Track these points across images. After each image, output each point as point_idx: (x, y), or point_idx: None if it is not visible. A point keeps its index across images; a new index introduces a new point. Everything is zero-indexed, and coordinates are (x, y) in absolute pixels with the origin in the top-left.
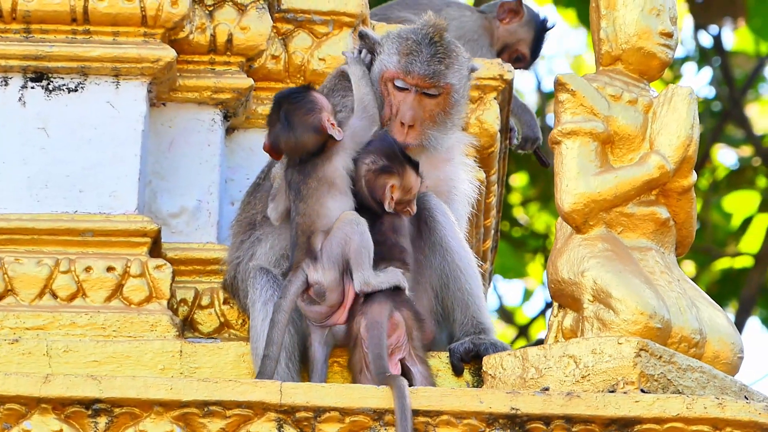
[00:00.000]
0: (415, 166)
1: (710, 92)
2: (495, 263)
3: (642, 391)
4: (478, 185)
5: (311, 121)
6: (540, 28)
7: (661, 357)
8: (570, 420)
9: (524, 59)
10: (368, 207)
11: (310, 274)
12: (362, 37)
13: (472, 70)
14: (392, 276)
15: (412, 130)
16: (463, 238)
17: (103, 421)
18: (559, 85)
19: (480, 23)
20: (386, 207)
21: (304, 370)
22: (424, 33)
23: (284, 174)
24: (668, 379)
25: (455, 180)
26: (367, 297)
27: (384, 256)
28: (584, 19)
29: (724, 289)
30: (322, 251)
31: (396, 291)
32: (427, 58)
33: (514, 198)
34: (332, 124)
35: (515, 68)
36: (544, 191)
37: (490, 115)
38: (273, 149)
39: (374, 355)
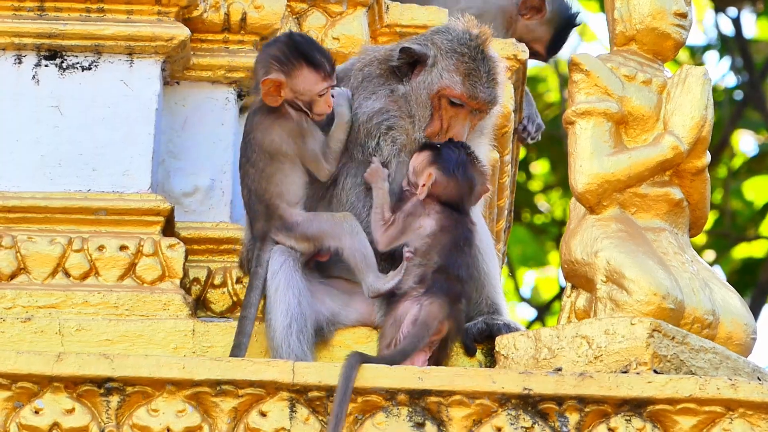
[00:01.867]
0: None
1: (732, 81)
2: (516, 252)
3: (655, 371)
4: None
5: (266, 66)
6: (562, 29)
7: (674, 338)
8: (583, 400)
9: (539, 56)
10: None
11: (283, 241)
12: (410, 53)
13: None
14: (398, 275)
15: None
16: (483, 221)
17: (115, 399)
18: (573, 65)
19: (500, 9)
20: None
21: (317, 345)
22: (476, 49)
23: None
24: (681, 360)
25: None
26: (427, 287)
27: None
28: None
29: (744, 277)
30: (298, 226)
31: (455, 295)
32: (486, 82)
33: (535, 185)
34: (279, 94)
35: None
36: (565, 178)
37: (505, 95)
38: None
39: (402, 350)
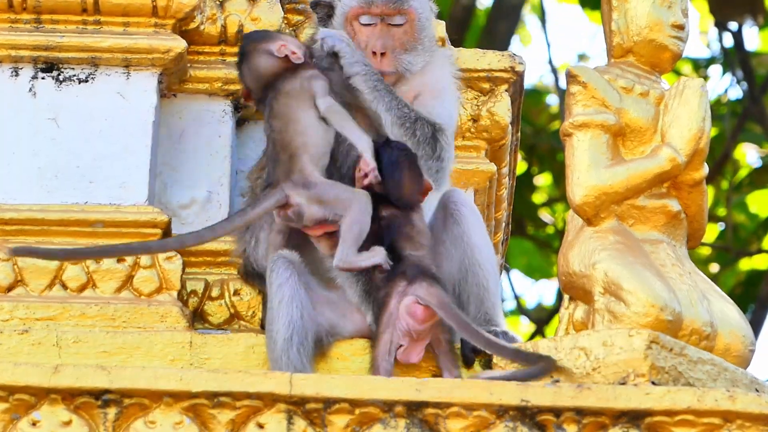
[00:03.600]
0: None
1: (735, 94)
2: (521, 263)
3: (653, 383)
4: (458, 97)
5: (265, 47)
6: None
7: (672, 349)
8: (580, 412)
9: None
10: None
11: (293, 196)
12: (315, 5)
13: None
14: (376, 255)
15: (384, 57)
16: (486, 234)
17: (112, 411)
18: (570, 77)
19: None
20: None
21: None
22: None
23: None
24: (679, 372)
25: (440, 81)
26: (408, 278)
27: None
28: None
29: (747, 291)
30: (316, 187)
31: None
32: None
33: (539, 198)
34: (292, 51)
35: None
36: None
37: (502, 107)
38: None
39: (470, 332)
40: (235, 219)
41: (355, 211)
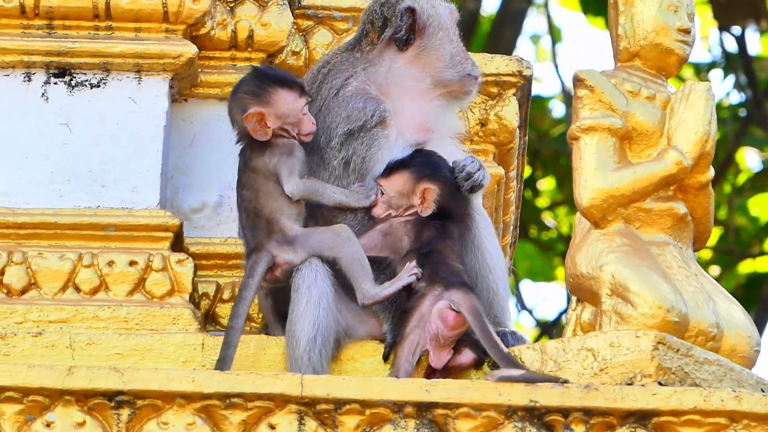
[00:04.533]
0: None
1: (736, 98)
2: (523, 267)
3: (659, 383)
4: None
5: (241, 103)
6: None
7: (678, 350)
8: (588, 412)
9: None
10: None
11: (279, 255)
12: (405, 13)
13: None
14: (402, 278)
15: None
16: (496, 239)
17: (125, 412)
18: (577, 81)
19: None
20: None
21: (333, 361)
22: None
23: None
24: (685, 372)
25: None
26: (444, 284)
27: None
28: None
29: (748, 293)
30: (298, 239)
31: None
32: None
33: (542, 202)
34: (264, 123)
35: None
36: (571, 195)
37: (509, 111)
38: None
39: (491, 345)
40: (245, 296)
41: (346, 249)
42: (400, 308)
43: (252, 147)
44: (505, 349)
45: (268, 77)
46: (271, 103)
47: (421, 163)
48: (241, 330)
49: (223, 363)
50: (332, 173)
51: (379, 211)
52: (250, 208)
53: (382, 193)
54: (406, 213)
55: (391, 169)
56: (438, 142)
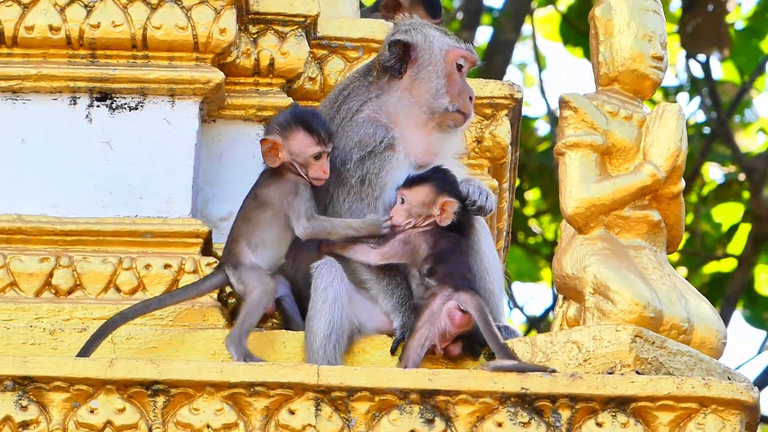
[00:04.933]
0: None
1: (700, 117)
2: (512, 269)
3: (637, 372)
4: None
5: (267, 131)
6: None
7: (654, 343)
8: (573, 398)
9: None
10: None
11: (230, 275)
12: (394, 45)
13: None
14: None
15: (472, 102)
16: (493, 244)
17: (161, 400)
18: (563, 103)
19: None
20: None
21: (346, 353)
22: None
23: None
24: (660, 362)
25: None
26: (455, 285)
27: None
28: (588, 54)
29: (712, 291)
30: (242, 267)
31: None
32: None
33: (529, 210)
34: (276, 155)
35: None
36: (554, 204)
37: (502, 130)
38: None
39: (493, 341)
40: (178, 294)
41: (252, 298)
42: (411, 306)
43: (265, 175)
44: (503, 342)
45: (296, 116)
46: (288, 138)
47: (441, 179)
48: (151, 309)
49: (103, 327)
50: (350, 190)
51: (399, 219)
52: (229, 233)
53: (403, 202)
54: (425, 223)
55: (414, 181)
56: (441, 162)
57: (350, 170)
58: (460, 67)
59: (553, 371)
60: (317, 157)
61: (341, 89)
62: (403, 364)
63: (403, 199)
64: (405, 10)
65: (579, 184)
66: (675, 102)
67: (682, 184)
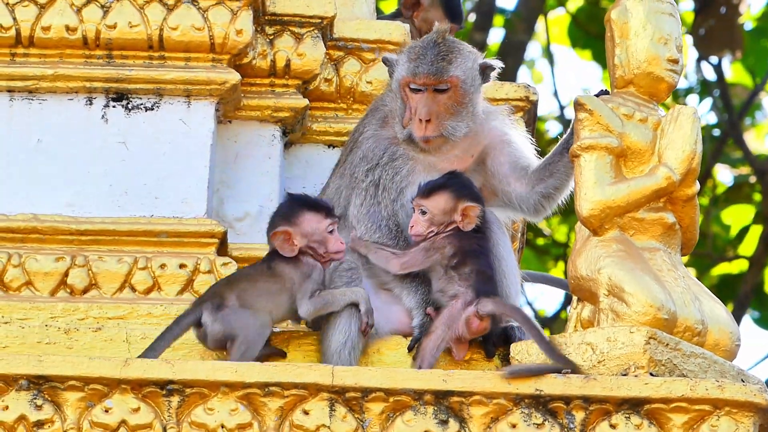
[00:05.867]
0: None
1: (711, 119)
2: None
3: (651, 374)
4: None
5: (274, 224)
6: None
7: (668, 344)
8: (587, 400)
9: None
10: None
11: (205, 315)
12: (386, 62)
13: (486, 66)
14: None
15: (429, 124)
16: (510, 247)
17: (175, 400)
18: (578, 105)
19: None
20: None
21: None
22: (429, 38)
23: None
24: (674, 364)
25: (503, 131)
26: (476, 290)
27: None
28: (597, 57)
29: (721, 292)
30: (227, 309)
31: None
32: (431, 59)
33: None
34: (291, 242)
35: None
36: (563, 206)
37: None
38: None
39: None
40: (166, 336)
41: (248, 333)
42: (432, 304)
43: (279, 256)
44: (551, 344)
45: (296, 201)
46: (297, 223)
47: (458, 184)
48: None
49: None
50: (366, 194)
51: (421, 229)
52: (234, 279)
53: (423, 213)
54: (447, 230)
55: (431, 190)
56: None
57: (361, 180)
58: (417, 90)
59: (567, 372)
60: (330, 231)
61: (371, 107)
62: (417, 364)
63: (423, 210)
64: (424, 10)
65: (594, 186)
66: (685, 104)
67: (697, 186)
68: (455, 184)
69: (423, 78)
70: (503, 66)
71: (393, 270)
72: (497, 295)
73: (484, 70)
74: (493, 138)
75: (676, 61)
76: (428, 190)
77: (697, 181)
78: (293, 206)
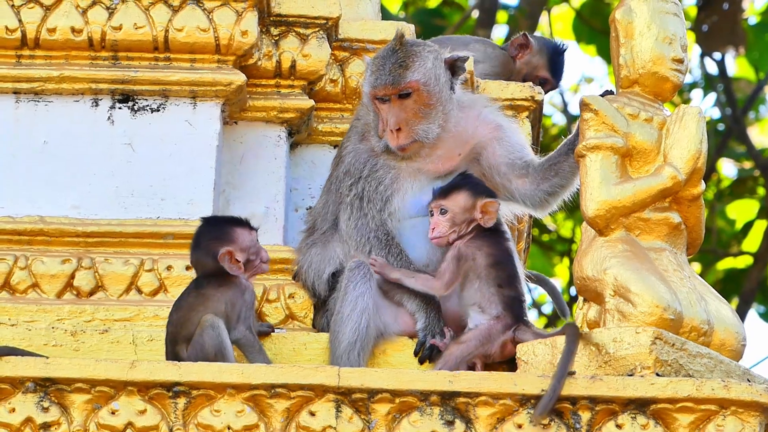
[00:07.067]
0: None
1: (715, 114)
2: (528, 265)
3: (657, 374)
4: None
5: (213, 248)
6: (554, 52)
7: (673, 345)
8: (594, 400)
9: (548, 82)
10: None
11: (181, 354)
12: None
13: (453, 60)
14: None
15: (400, 132)
16: (515, 248)
17: (182, 402)
18: (583, 105)
19: (500, 59)
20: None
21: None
22: (388, 47)
23: None
24: (680, 364)
25: (492, 124)
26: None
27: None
28: (601, 52)
29: (726, 287)
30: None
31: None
32: (389, 68)
33: None
34: (235, 260)
35: (544, 91)
36: (567, 202)
37: (522, 132)
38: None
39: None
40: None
41: (209, 344)
42: (434, 307)
43: (209, 278)
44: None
45: (222, 221)
46: (234, 240)
47: (473, 182)
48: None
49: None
50: (351, 208)
51: (444, 230)
52: (169, 331)
53: (442, 213)
54: (468, 228)
55: (447, 190)
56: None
57: (346, 194)
58: (384, 100)
59: (573, 373)
60: (257, 240)
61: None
62: (439, 366)
63: (443, 210)
64: (531, 53)
65: (599, 186)
66: (689, 99)
67: (702, 186)
68: (470, 182)
69: (383, 89)
70: (472, 55)
71: (438, 293)
72: (529, 321)
73: (452, 64)
74: (484, 134)
75: (680, 61)
76: (445, 191)
77: (702, 181)
78: (222, 226)
